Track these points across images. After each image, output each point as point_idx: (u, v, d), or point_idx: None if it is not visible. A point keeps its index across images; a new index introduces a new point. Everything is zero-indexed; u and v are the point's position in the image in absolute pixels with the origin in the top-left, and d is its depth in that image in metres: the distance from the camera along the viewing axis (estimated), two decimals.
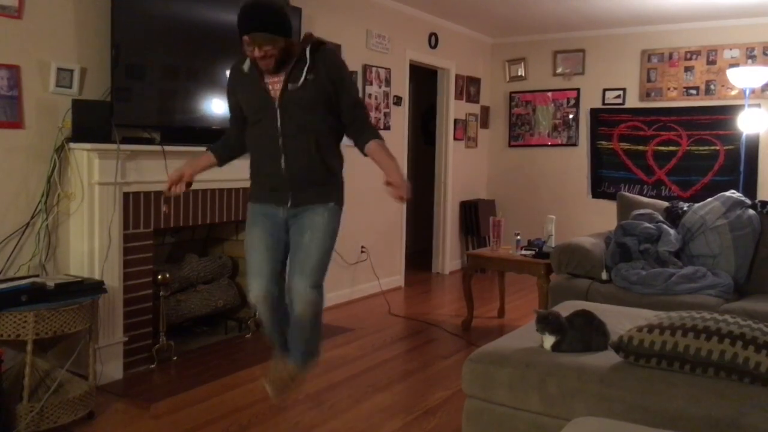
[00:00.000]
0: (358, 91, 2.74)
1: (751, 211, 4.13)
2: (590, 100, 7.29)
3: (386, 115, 6.14)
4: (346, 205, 2.73)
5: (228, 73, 2.76)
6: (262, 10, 2.39)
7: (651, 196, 5.71)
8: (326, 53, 2.57)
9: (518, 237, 4.97)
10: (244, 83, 2.62)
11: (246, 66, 2.59)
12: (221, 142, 2.84)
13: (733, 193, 4.28)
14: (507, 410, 2.39)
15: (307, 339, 2.71)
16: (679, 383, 2.15)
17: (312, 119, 2.55)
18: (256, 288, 2.65)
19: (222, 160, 2.83)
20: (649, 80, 6.96)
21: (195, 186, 3.93)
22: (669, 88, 6.87)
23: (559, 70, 7.46)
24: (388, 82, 6.12)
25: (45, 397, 2.90)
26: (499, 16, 6.66)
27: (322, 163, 2.58)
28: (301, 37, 2.65)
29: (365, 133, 2.60)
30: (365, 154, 2.61)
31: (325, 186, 2.64)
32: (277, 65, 2.48)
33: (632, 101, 7.06)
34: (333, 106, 2.58)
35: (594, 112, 7.26)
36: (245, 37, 2.42)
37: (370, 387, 3.64)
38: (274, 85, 2.55)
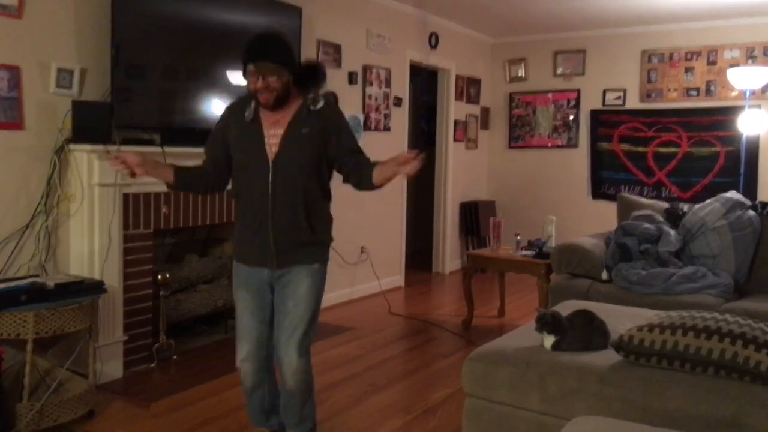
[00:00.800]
0: (355, 138, 2.62)
1: (751, 212, 4.13)
2: (590, 101, 7.30)
3: (386, 116, 6.14)
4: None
5: (225, 110, 2.66)
6: (271, 40, 2.42)
7: (651, 198, 5.71)
8: (322, 106, 2.51)
9: (518, 238, 4.97)
10: (243, 127, 2.53)
11: (248, 112, 2.51)
12: (189, 172, 2.67)
13: (733, 194, 4.28)
14: (507, 409, 2.39)
15: (302, 414, 2.64)
16: (680, 382, 2.15)
17: (304, 180, 2.49)
18: (243, 352, 2.61)
19: (180, 183, 2.62)
20: (649, 81, 6.96)
21: (187, 192, 3.97)
22: (669, 89, 6.87)
23: (559, 71, 7.46)
24: (388, 83, 6.12)
25: (45, 396, 2.90)
26: (499, 16, 6.67)
27: (310, 226, 2.52)
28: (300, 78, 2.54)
29: (366, 173, 2.50)
30: (376, 187, 2.52)
31: (311, 248, 2.55)
32: (276, 102, 2.42)
33: (632, 102, 7.06)
34: (328, 160, 2.53)
35: (594, 113, 7.26)
36: (250, 66, 2.38)
37: (370, 386, 3.64)
38: (272, 139, 2.48)
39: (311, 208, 2.52)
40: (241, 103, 2.58)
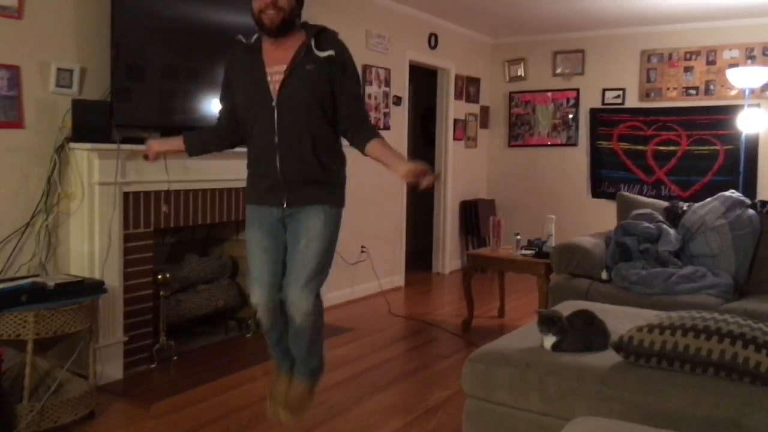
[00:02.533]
0: (360, 85, 2.59)
1: (750, 211, 4.13)
2: (590, 100, 7.30)
3: (386, 115, 6.14)
4: (347, 205, 2.68)
5: (226, 61, 2.63)
6: None
7: (651, 196, 5.71)
8: (330, 38, 2.47)
9: (518, 237, 4.97)
10: (244, 68, 2.52)
11: (246, 49, 2.50)
12: (197, 131, 2.75)
13: (732, 193, 4.28)
14: (507, 410, 2.39)
15: (310, 350, 2.64)
16: (679, 383, 2.15)
17: (311, 116, 2.45)
18: (256, 295, 2.59)
19: (192, 148, 2.72)
20: (648, 80, 6.96)
21: (195, 186, 3.99)
22: (668, 89, 6.87)
23: (558, 71, 7.46)
24: (387, 83, 6.12)
25: (45, 396, 2.90)
26: (499, 16, 6.66)
27: (320, 163, 2.48)
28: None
29: (364, 131, 2.50)
30: (365, 154, 2.51)
31: (322, 186, 2.52)
32: (282, 24, 2.37)
33: (632, 101, 7.06)
34: (334, 98, 2.47)
35: (594, 112, 7.27)
36: None
37: (371, 387, 3.64)
38: (274, 76, 2.44)
39: (320, 146, 2.47)
40: (240, 51, 2.56)
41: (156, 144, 2.82)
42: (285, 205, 2.51)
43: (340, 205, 2.58)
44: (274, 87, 2.43)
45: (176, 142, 2.73)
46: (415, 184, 2.34)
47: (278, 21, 2.36)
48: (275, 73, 2.44)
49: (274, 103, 2.44)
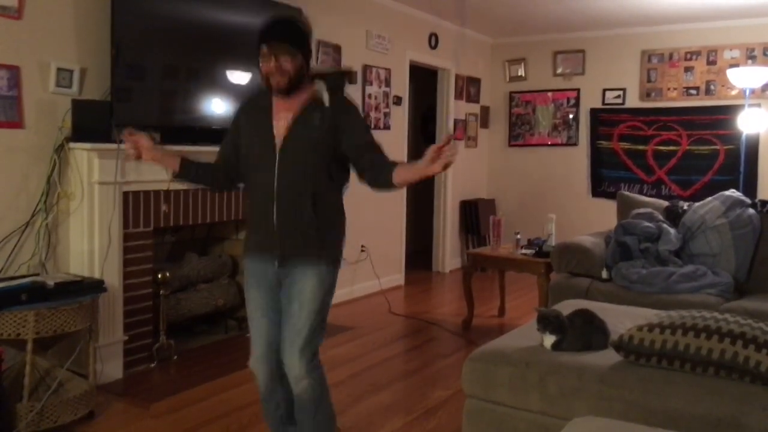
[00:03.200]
0: (370, 132, 2.48)
1: (751, 210, 4.13)
2: (590, 100, 7.29)
3: (386, 115, 6.14)
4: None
5: (240, 102, 2.67)
6: (286, 22, 2.37)
7: (651, 196, 5.71)
8: (339, 96, 2.44)
9: (518, 236, 4.97)
10: (254, 113, 2.49)
11: (259, 99, 2.49)
12: (200, 161, 2.64)
13: (733, 193, 4.28)
14: (507, 410, 2.39)
15: (314, 417, 2.48)
16: (680, 382, 2.15)
17: (314, 168, 2.38)
18: (254, 354, 2.56)
19: (186, 173, 2.58)
20: (649, 80, 6.96)
21: (195, 185, 3.97)
22: (669, 88, 6.87)
23: (559, 71, 7.46)
24: (388, 83, 6.12)
25: (45, 396, 2.90)
26: (499, 17, 6.66)
27: (318, 218, 2.39)
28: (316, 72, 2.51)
29: (385, 172, 2.36)
30: (395, 187, 2.40)
31: (317, 243, 2.41)
32: (289, 85, 2.34)
33: (632, 101, 7.06)
34: (339, 152, 2.40)
35: (594, 112, 7.26)
36: (263, 48, 2.31)
37: (371, 386, 3.64)
38: (280, 122, 2.40)
39: (319, 200, 2.40)
40: (252, 97, 2.57)
41: (157, 153, 2.61)
42: (280, 258, 2.43)
43: (336, 264, 2.48)
44: (279, 135, 2.40)
45: (173, 161, 2.58)
46: (447, 162, 2.17)
47: (285, 84, 2.33)
48: (281, 119, 2.41)
49: (277, 151, 2.38)
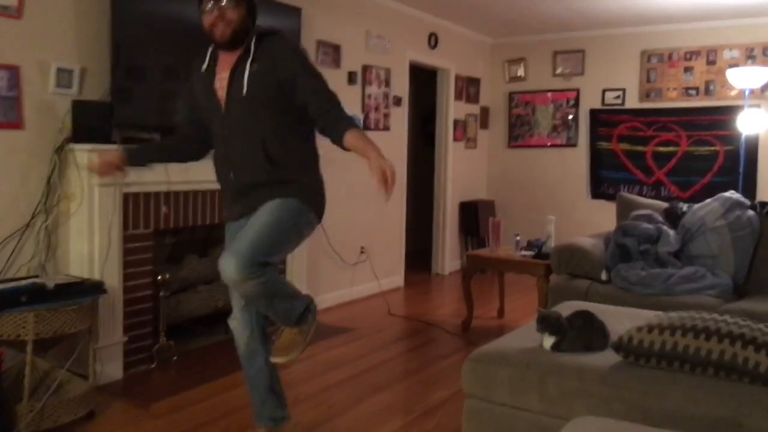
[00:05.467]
0: (319, 76, 2.36)
1: (750, 212, 4.13)
2: (590, 101, 7.30)
3: (386, 115, 6.14)
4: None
5: (192, 67, 2.57)
6: None
7: (650, 197, 5.71)
8: (273, 40, 2.36)
9: (518, 238, 4.97)
10: (201, 81, 2.48)
11: (203, 63, 2.45)
12: (159, 143, 2.67)
13: (732, 194, 4.28)
14: (507, 410, 2.39)
15: (271, 307, 2.41)
16: (679, 383, 2.15)
17: (260, 121, 2.35)
18: (233, 318, 2.59)
19: (135, 160, 2.62)
20: (648, 81, 6.97)
21: (195, 186, 3.99)
22: (669, 89, 6.87)
23: (558, 71, 7.46)
24: (388, 83, 6.12)
25: (45, 396, 2.90)
26: (499, 16, 6.66)
27: (273, 164, 2.35)
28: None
29: (337, 125, 2.29)
30: (345, 149, 2.30)
31: (279, 184, 2.37)
32: (233, 36, 2.30)
33: (632, 102, 7.07)
34: (290, 99, 2.34)
35: (594, 113, 7.27)
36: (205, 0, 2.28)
37: (370, 387, 3.64)
38: (222, 83, 2.38)
39: (274, 148, 2.35)
40: (199, 56, 2.51)
41: (111, 165, 2.60)
42: (242, 216, 2.41)
43: (303, 200, 2.40)
44: (222, 92, 2.39)
45: (117, 156, 2.59)
46: (380, 184, 2.15)
47: (228, 34, 2.30)
48: (222, 79, 2.39)
49: (222, 107, 2.39)
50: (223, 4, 2.27)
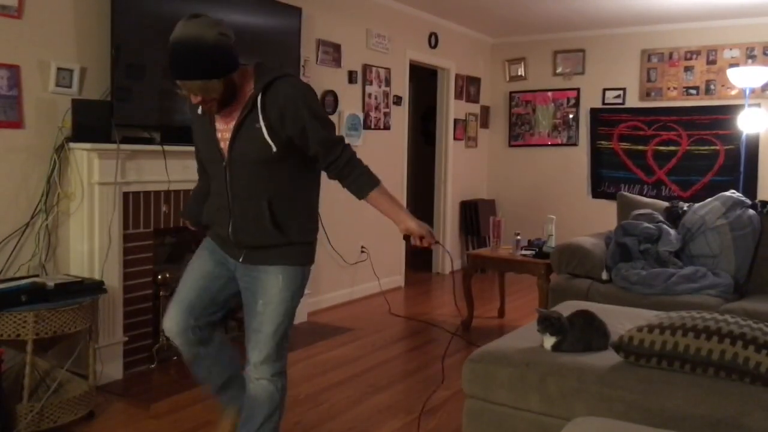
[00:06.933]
0: (327, 123, 2.19)
1: (751, 211, 4.13)
2: (590, 100, 7.29)
3: (386, 115, 6.14)
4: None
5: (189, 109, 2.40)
6: (186, 55, 2.05)
7: (651, 196, 5.71)
8: (278, 88, 2.12)
9: (518, 237, 4.97)
10: (199, 126, 2.30)
11: (199, 108, 2.24)
12: (191, 199, 2.52)
13: (733, 193, 4.28)
14: (507, 410, 2.39)
15: (260, 427, 2.31)
16: (680, 383, 2.15)
17: (265, 180, 2.19)
18: (168, 319, 2.39)
19: (196, 218, 2.48)
20: (649, 80, 6.96)
21: (193, 186, 3.97)
22: (669, 88, 6.87)
23: (559, 70, 7.46)
24: (388, 82, 6.12)
25: (45, 396, 2.90)
26: (499, 16, 6.66)
27: (277, 226, 2.20)
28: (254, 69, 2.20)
29: (357, 181, 2.21)
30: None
31: (282, 248, 2.24)
32: (223, 106, 2.13)
33: (632, 101, 7.06)
34: (299, 149, 2.18)
35: (594, 112, 7.26)
36: (178, 83, 2.10)
37: (370, 387, 3.64)
38: (224, 134, 2.20)
39: (279, 206, 2.21)
40: (195, 105, 2.32)
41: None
42: (241, 261, 2.29)
43: (304, 263, 2.32)
44: (224, 144, 2.19)
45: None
46: (415, 244, 2.23)
47: (216, 108, 2.14)
48: (224, 131, 2.20)
49: (224, 164, 2.20)
50: (198, 91, 2.07)
